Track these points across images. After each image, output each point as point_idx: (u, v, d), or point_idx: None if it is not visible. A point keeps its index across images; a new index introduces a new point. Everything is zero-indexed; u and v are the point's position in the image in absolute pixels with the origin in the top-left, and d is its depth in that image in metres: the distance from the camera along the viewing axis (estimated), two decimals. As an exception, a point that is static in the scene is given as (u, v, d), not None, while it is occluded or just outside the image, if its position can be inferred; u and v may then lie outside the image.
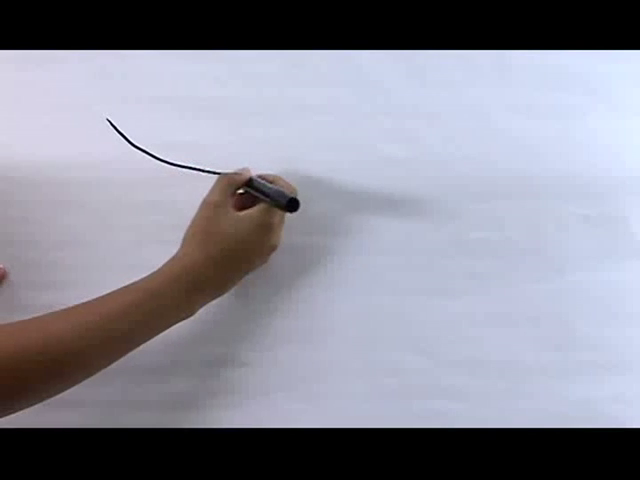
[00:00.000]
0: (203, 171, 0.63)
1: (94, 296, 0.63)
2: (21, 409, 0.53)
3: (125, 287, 0.58)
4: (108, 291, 0.57)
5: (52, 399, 0.55)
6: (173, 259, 0.60)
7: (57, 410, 0.59)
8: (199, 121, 0.67)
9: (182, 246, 0.61)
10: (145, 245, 0.66)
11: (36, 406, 0.54)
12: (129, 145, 0.63)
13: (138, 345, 0.58)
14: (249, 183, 0.63)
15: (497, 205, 0.66)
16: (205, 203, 0.62)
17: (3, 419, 0.52)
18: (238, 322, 0.66)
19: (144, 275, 0.57)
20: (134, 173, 0.66)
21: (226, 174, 0.63)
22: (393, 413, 0.65)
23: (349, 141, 0.67)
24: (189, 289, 0.59)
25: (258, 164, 0.65)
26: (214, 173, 0.63)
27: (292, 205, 0.60)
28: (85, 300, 0.56)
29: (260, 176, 0.64)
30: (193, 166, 0.63)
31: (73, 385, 0.56)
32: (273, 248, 0.64)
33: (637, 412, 0.65)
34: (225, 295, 0.62)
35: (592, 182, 0.67)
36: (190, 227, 0.61)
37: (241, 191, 0.64)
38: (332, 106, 0.67)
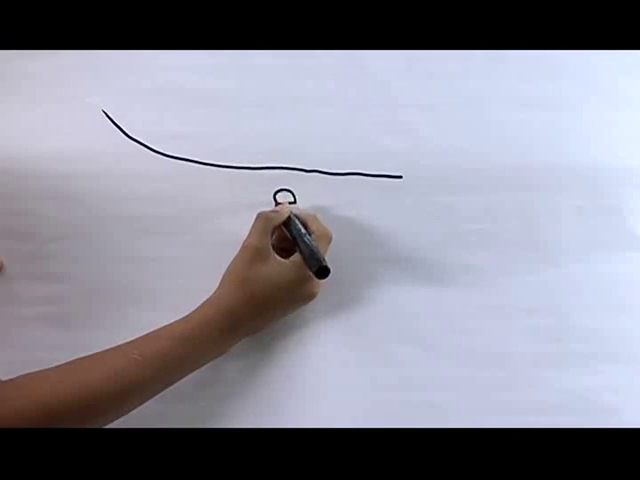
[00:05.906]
0: (199, 163, 0.63)
1: (90, 290, 0.64)
2: None
3: (160, 331, 0.57)
4: (105, 286, 0.56)
5: None
6: (209, 301, 0.59)
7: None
8: (196, 113, 0.67)
9: (219, 288, 0.60)
10: (141, 237, 0.66)
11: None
12: (125, 137, 0.63)
13: (171, 385, 0.58)
14: (287, 222, 0.62)
15: (492, 196, 0.67)
16: (244, 247, 0.60)
17: None
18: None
19: (140, 268, 0.57)
20: (130, 165, 0.66)
21: (263, 213, 0.61)
22: (388, 405, 0.65)
23: (345, 133, 0.67)
24: (224, 333, 0.58)
25: (255, 156, 0.65)
26: (210, 165, 0.63)
27: (321, 273, 0.56)
28: (84, 292, 0.56)
29: (297, 215, 0.63)
30: (189, 158, 0.63)
31: (106, 425, 0.56)
32: (312, 296, 0.62)
33: (632, 402, 0.65)
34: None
35: (586, 174, 0.67)
36: (228, 269, 0.60)
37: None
38: (329, 98, 0.67)
